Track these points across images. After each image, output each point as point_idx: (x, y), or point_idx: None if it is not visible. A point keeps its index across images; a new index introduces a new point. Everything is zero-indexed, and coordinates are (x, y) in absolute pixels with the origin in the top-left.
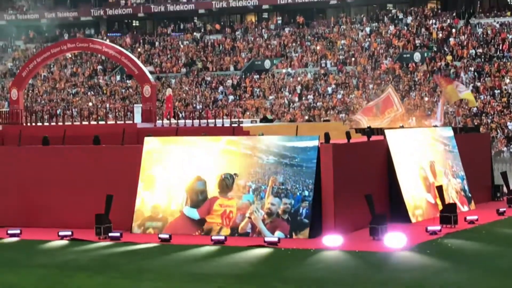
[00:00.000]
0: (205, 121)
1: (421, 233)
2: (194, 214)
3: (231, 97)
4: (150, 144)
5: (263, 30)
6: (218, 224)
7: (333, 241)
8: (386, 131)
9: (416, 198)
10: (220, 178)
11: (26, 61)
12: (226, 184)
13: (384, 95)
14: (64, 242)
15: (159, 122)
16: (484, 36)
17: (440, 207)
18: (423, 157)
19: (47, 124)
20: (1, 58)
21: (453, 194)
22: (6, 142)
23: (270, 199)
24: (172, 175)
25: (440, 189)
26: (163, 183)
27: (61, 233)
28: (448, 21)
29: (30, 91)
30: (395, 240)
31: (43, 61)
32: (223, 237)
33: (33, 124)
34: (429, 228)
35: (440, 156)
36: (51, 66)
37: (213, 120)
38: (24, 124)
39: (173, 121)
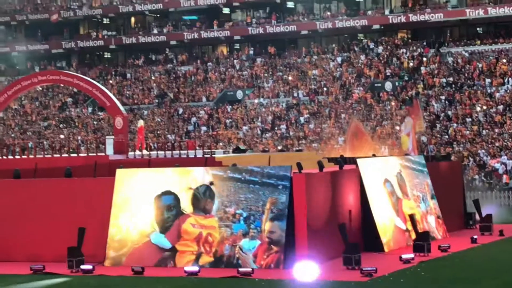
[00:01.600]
0: (178, 152)
1: (394, 261)
2: (163, 241)
3: (203, 128)
4: (122, 175)
5: (235, 60)
6: (194, 253)
7: (306, 271)
8: (358, 160)
9: (388, 226)
10: (191, 191)
11: None
12: (197, 197)
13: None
14: (36, 276)
15: (131, 153)
16: (455, 65)
17: (413, 235)
18: (396, 185)
19: (18, 157)
20: None
21: (432, 219)
22: None
23: (268, 225)
24: (141, 201)
25: (412, 217)
26: (133, 212)
27: (33, 267)
28: (419, 50)
29: (1, 125)
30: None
31: (15, 93)
32: (197, 269)
33: (4, 157)
34: (403, 256)
35: (415, 182)
36: (22, 98)
37: (185, 151)
38: None
39: (145, 152)
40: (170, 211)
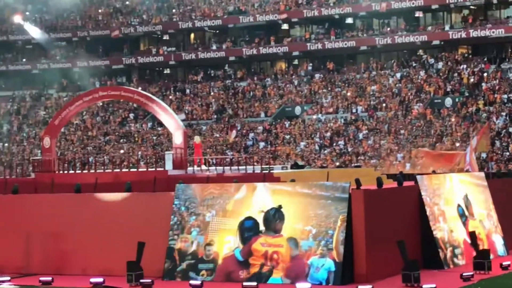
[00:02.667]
0: (236, 167)
1: (454, 279)
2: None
3: (262, 144)
4: (181, 190)
5: (293, 76)
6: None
7: None
8: (417, 177)
9: (450, 242)
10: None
11: (58, 109)
12: (268, 219)
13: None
14: None
15: (190, 169)
16: None
17: (474, 253)
18: (457, 202)
19: (79, 171)
20: (34, 106)
21: (497, 237)
22: (39, 190)
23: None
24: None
25: (473, 235)
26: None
27: (92, 281)
28: (479, 66)
29: (63, 140)
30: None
31: (76, 109)
32: (255, 284)
33: (66, 172)
34: (464, 274)
35: (480, 199)
36: (83, 114)
37: (244, 167)
38: (57, 172)
39: (204, 167)
40: (249, 232)
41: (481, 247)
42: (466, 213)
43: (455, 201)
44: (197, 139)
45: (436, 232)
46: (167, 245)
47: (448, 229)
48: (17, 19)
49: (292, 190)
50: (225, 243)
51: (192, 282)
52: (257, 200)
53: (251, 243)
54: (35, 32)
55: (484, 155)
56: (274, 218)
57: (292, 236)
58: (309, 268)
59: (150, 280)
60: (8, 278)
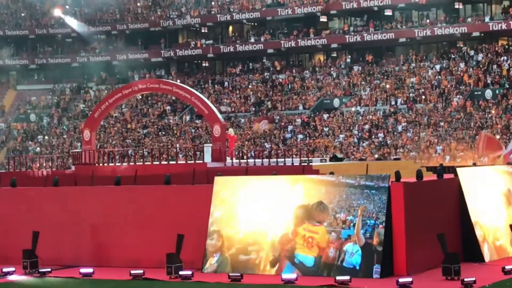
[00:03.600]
0: (275, 160)
1: (495, 272)
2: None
3: (300, 136)
4: (220, 183)
5: (332, 68)
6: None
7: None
8: (458, 169)
9: (491, 235)
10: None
11: (98, 102)
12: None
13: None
14: (136, 281)
15: (228, 161)
16: None
17: None
18: (499, 195)
19: (119, 164)
20: (74, 99)
21: None
22: (79, 183)
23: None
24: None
25: None
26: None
27: (132, 272)
28: None
29: (102, 132)
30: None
31: (115, 102)
32: (294, 276)
33: (105, 164)
34: (505, 267)
35: None
36: (122, 106)
37: (283, 159)
38: (97, 165)
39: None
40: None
41: None
42: (507, 204)
43: (496, 193)
44: (230, 131)
45: (477, 225)
46: (207, 237)
47: (489, 222)
48: (57, 12)
49: (335, 180)
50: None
51: (231, 274)
52: (300, 191)
53: (297, 228)
54: (75, 25)
55: None
56: (317, 210)
57: (332, 225)
58: (345, 254)
59: (189, 272)
60: (49, 269)
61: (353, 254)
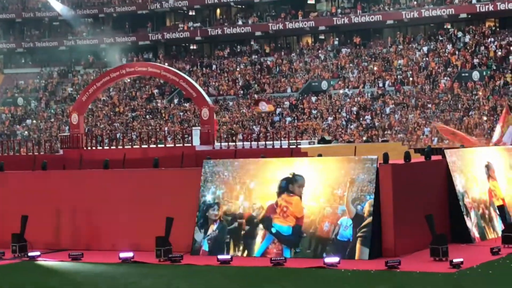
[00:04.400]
0: (263, 143)
1: (483, 253)
2: None
3: (288, 119)
4: (209, 166)
5: (320, 51)
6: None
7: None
8: (445, 151)
9: (478, 217)
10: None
11: (86, 85)
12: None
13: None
14: (125, 264)
15: (217, 144)
16: None
17: (502, 226)
18: (486, 176)
19: (107, 148)
20: (62, 83)
21: None
22: (67, 166)
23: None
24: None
25: (501, 208)
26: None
27: (122, 256)
28: (507, 39)
29: (90, 116)
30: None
31: (103, 85)
32: (283, 259)
33: (94, 148)
34: (492, 248)
35: (506, 172)
36: (110, 90)
37: (271, 142)
38: (85, 148)
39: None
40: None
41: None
42: (494, 186)
43: (483, 174)
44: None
45: (464, 206)
46: (196, 220)
47: (476, 203)
48: None
49: (322, 162)
50: None
51: (220, 256)
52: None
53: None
54: (60, 9)
55: None
56: (293, 183)
57: (329, 201)
58: (339, 227)
59: (179, 255)
60: (39, 253)
61: (347, 227)
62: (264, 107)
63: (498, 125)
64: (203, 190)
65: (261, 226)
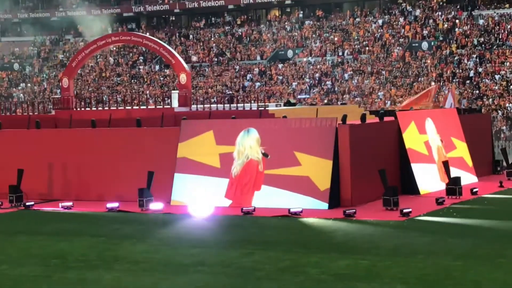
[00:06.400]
0: (235, 105)
1: (429, 203)
2: None
3: (257, 84)
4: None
5: (286, 23)
6: None
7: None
8: (397, 113)
9: (425, 171)
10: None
11: (75, 53)
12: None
13: (425, 90)
14: (111, 213)
15: (194, 106)
16: (485, 26)
17: (447, 179)
18: (432, 134)
19: (94, 109)
20: (53, 50)
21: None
22: (59, 125)
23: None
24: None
25: (446, 164)
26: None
27: (108, 206)
28: (453, 13)
29: (80, 80)
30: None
31: (91, 52)
32: (252, 208)
33: (83, 109)
34: (437, 198)
35: (449, 132)
36: (98, 57)
37: (242, 105)
38: (75, 109)
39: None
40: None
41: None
42: (437, 141)
43: (429, 132)
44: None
45: (413, 161)
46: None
47: (424, 159)
48: None
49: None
50: None
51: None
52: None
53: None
54: None
55: (457, 92)
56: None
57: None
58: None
59: (159, 204)
60: (32, 203)
61: None
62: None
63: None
64: None
65: None
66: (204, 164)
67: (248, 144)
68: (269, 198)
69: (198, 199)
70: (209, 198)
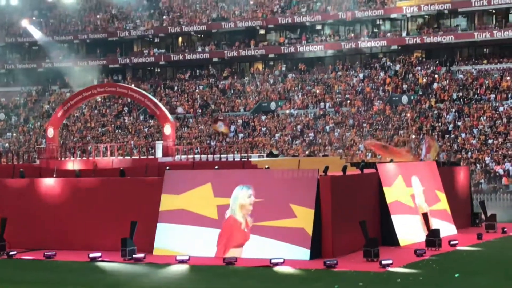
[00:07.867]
0: (218, 155)
1: (409, 255)
2: None
3: (241, 135)
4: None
5: (269, 76)
6: None
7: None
8: (377, 165)
9: (405, 223)
10: None
11: (61, 103)
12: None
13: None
14: (94, 263)
15: (177, 156)
16: (464, 81)
17: (426, 231)
18: (411, 187)
19: (79, 158)
20: (39, 100)
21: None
22: (43, 175)
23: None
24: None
25: (425, 216)
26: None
27: (91, 255)
28: (432, 68)
29: (65, 130)
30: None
31: (76, 103)
32: (234, 258)
33: (67, 159)
34: (417, 250)
35: (429, 184)
36: (83, 107)
37: (225, 155)
38: (59, 159)
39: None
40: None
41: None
42: (419, 196)
43: (410, 186)
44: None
45: (393, 213)
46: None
47: (403, 211)
48: (24, 23)
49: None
50: None
51: (179, 257)
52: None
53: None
54: (37, 35)
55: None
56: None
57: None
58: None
59: (142, 255)
60: (15, 252)
61: None
62: (221, 127)
63: (424, 146)
64: None
65: None
66: (198, 215)
67: (239, 203)
68: (254, 248)
69: (183, 248)
70: (195, 248)
